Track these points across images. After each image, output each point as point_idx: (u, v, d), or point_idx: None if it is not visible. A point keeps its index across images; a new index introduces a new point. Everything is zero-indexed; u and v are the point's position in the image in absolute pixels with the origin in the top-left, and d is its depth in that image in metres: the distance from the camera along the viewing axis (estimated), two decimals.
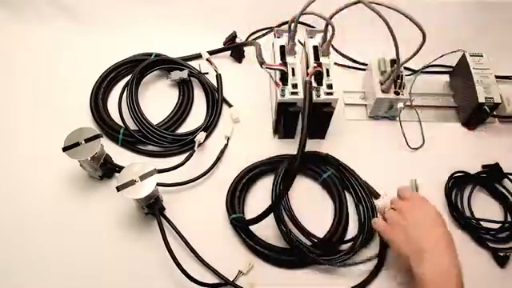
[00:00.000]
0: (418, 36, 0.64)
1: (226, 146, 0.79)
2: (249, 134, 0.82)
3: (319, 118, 0.74)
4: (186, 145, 0.79)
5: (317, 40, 0.75)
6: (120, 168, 0.73)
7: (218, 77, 0.86)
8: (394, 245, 0.62)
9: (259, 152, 0.77)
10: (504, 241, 0.72)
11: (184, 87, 0.85)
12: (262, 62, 0.69)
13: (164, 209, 0.71)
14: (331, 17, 0.67)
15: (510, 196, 0.75)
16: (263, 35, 0.94)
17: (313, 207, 0.74)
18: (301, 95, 0.70)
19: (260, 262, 0.69)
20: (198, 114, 0.84)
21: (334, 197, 0.73)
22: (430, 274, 0.56)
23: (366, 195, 0.73)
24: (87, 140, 0.68)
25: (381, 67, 0.81)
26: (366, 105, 0.85)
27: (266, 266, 0.69)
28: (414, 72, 0.88)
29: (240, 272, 0.67)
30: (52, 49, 0.90)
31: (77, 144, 0.67)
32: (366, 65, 0.87)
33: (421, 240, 0.59)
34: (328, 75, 0.72)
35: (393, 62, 0.80)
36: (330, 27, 0.69)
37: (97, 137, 0.68)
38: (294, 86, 0.71)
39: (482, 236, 0.72)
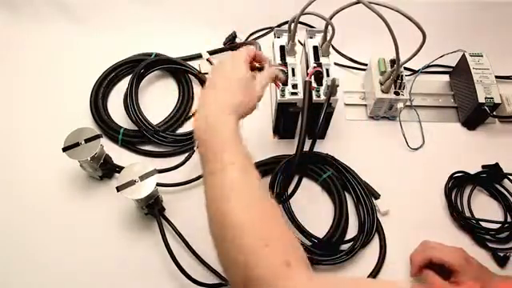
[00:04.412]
0: (418, 36, 0.64)
1: None
2: (249, 134, 0.81)
3: (319, 117, 0.74)
4: (186, 145, 0.79)
5: (317, 40, 0.75)
6: (120, 168, 0.73)
7: None
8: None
9: (259, 152, 0.77)
10: (504, 241, 0.72)
11: (184, 87, 0.85)
12: None
13: (164, 209, 0.71)
14: (331, 17, 0.67)
15: (510, 196, 0.75)
16: (263, 35, 0.94)
17: (313, 207, 0.74)
18: (301, 95, 0.70)
19: None
20: None
21: (334, 197, 0.73)
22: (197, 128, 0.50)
23: (366, 195, 0.73)
24: (87, 140, 0.68)
25: (381, 67, 0.81)
26: (366, 105, 0.85)
27: None
28: (414, 72, 0.88)
29: None
30: (52, 49, 0.90)
31: (77, 144, 0.67)
32: (366, 65, 0.87)
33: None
34: (328, 75, 0.72)
35: (393, 62, 0.80)
36: (329, 27, 0.69)
37: (97, 137, 0.68)
38: (294, 86, 0.71)
39: (482, 236, 0.72)
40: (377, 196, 0.75)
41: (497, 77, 0.80)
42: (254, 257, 0.41)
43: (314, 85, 0.71)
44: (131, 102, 0.79)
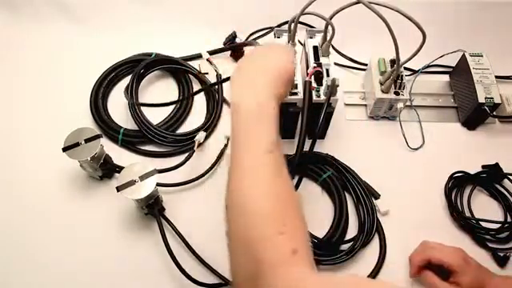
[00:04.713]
0: (418, 36, 0.64)
1: (225, 145, 0.79)
2: None
3: (319, 117, 0.74)
4: (186, 145, 0.79)
5: (317, 40, 0.75)
6: (120, 168, 0.73)
7: (218, 77, 0.86)
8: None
9: None
10: (504, 241, 0.72)
11: (184, 87, 0.85)
12: None
13: (164, 209, 0.71)
14: (331, 17, 0.67)
15: (510, 196, 0.75)
16: (263, 35, 0.93)
17: (313, 207, 0.74)
18: (301, 95, 0.70)
19: None
20: (198, 113, 0.84)
21: (334, 197, 0.73)
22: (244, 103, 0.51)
23: (366, 195, 0.73)
24: (87, 140, 0.68)
25: (381, 67, 0.80)
26: (366, 105, 0.85)
27: None
28: (414, 72, 0.88)
29: None
30: (52, 49, 0.90)
31: (77, 144, 0.67)
32: (366, 65, 0.87)
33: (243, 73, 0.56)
34: (328, 75, 0.72)
35: (393, 62, 0.80)
36: (330, 27, 0.69)
37: (97, 137, 0.68)
38: (294, 86, 0.71)
39: (482, 236, 0.72)
40: (377, 196, 0.75)
41: (497, 77, 0.80)
42: (265, 243, 0.42)
43: (314, 85, 0.71)
44: (131, 102, 0.79)
